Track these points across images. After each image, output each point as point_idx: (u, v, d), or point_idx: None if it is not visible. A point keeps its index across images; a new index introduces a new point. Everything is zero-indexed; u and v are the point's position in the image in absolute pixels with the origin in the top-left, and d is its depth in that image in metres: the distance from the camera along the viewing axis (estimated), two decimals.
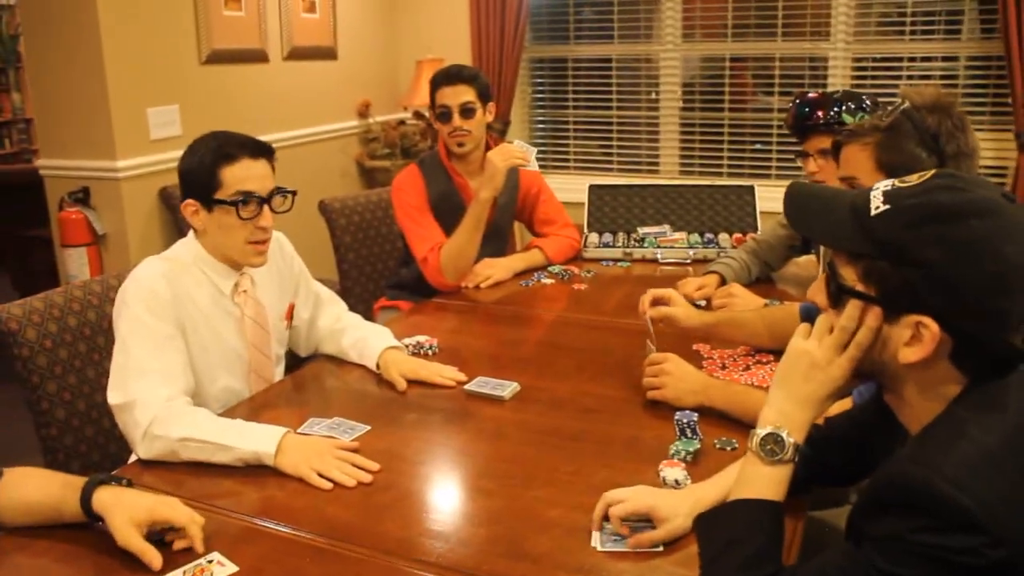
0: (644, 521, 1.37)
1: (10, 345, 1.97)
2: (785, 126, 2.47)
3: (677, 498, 1.39)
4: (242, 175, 1.86)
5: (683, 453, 1.61)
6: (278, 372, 2.13)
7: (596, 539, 1.38)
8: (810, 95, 2.40)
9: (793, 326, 1.30)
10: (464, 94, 2.79)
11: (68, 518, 1.41)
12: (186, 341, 1.87)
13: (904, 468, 1.01)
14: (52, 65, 3.69)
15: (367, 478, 1.59)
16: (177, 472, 1.64)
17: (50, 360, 2.01)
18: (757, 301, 2.40)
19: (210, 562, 1.34)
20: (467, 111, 2.79)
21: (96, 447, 2.09)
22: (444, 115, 2.81)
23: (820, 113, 2.32)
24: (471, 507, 1.53)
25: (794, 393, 1.22)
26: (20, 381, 1.98)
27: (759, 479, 1.23)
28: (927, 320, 1.04)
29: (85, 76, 3.61)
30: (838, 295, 1.14)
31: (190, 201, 1.90)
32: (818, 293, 1.19)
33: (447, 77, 2.83)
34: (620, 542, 1.36)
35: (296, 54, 4.64)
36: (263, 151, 1.92)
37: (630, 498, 1.38)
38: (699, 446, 1.64)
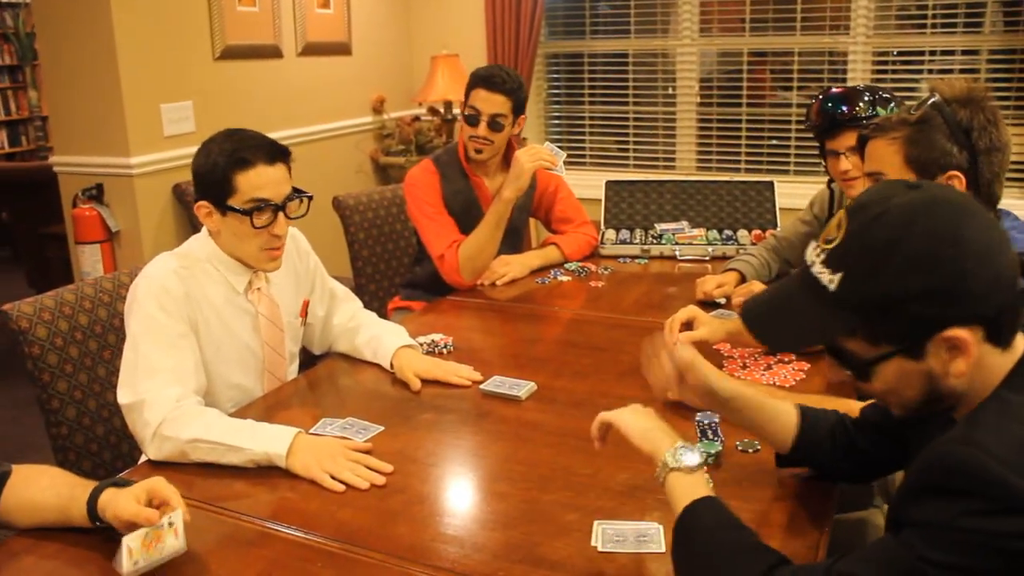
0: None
1: (20, 343, 1.95)
2: (808, 125, 2.38)
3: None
4: (257, 182, 1.81)
5: (704, 455, 1.57)
6: (292, 370, 2.10)
7: (597, 538, 1.36)
8: (834, 90, 2.33)
9: None
10: (499, 105, 2.70)
11: (76, 522, 1.39)
12: (199, 339, 1.85)
13: (953, 449, 0.98)
14: (66, 62, 3.68)
15: (380, 480, 1.56)
16: (188, 474, 1.61)
17: (61, 358, 1.99)
18: None
19: (171, 524, 1.31)
20: (495, 124, 2.71)
21: (107, 446, 2.06)
22: (472, 119, 2.72)
23: (847, 108, 2.25)
24: (486, 511, 1.50)
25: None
26: (31, 379, 1.96)
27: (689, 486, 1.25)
28: (951, 331, 1.02)
29: (98, 73, 3.60)
30: (866, 370, 1.11)
31: (203, 203, 1.86)
32: (853, 391, 1.17)
33: (488, 82, 2.71)
34: (623, 543, 1.34)
35: (310, 50, 4.62)
36: (279, 155, 1.86)
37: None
38: (720, 448, 1.60)
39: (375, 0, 5.11)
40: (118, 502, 1.33)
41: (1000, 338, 1.05)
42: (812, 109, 2.34)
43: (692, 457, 1.27)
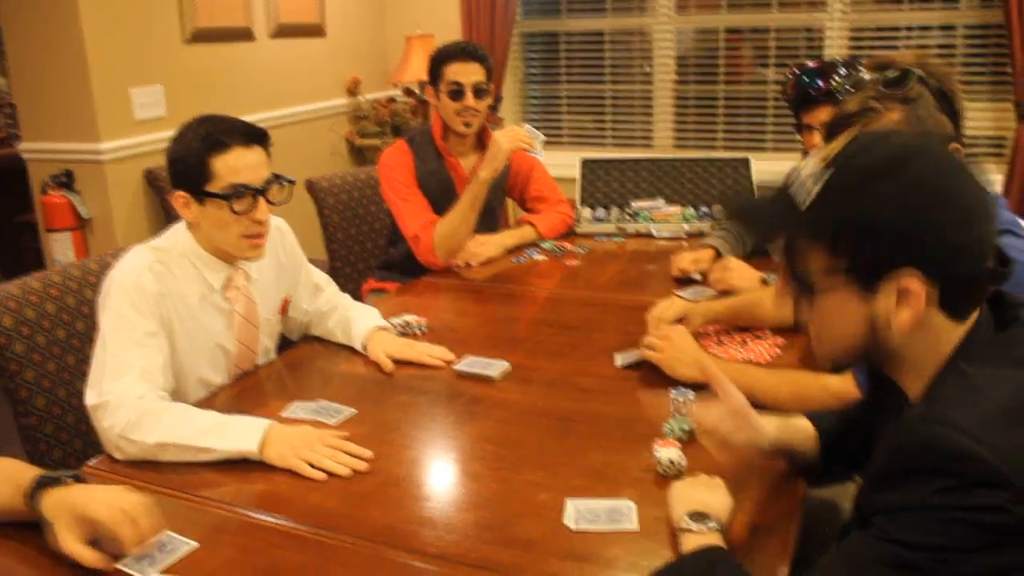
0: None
1: None
2: (784, 98, 2.38)
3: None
4: (235, 165, 1.76)
5: (678, 431, 1.57)
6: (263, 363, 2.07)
7: (570, 516, 1.35)
8: (810, 64, 2.32)
9: None
10: (477, 73, 2.72)
11: (28, 517, 1.33)
12: (172, 336, 1.80)
13: (918, 429, 0.96)
14: (31, 46, 3.62)
15: (362, 466, 1.53)
16: (150, 463, 1.58)
17: (28, 347, 1.96)
18: (753, 274, 2.35)
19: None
20: (480, 91, 2.72)
21: (79, 435, 2.03)
22: (456, 93, 2.71)
23: (823, 82, 2.24)
24: (459, 492, 1.48)
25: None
26: None
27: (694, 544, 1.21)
28: (907, 277, 1.00)
29: (65, 57, 3.54)
30: (811, 291, 1.09)
31: (180, 193, 1.80)
32: (787, 306, 1.14)
33: (462, 53, 2.74)
34: (596, 521, 1.34)
35: (282, 31, 4.56)
36: (257, 137, 1.81)
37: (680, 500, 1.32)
38: (694, 424, 1.59)
39: None
40: (60, 533, 1.26)
41: (954, 307, 1.03)
42: (788, 83, 2.34)
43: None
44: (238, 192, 1.76)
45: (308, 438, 1.58)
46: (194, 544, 1.31)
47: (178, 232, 1.88)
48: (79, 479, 1.38)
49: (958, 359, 1.03)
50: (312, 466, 1.52)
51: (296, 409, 1.74)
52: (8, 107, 8.84)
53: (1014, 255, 1.07)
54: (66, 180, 3.66)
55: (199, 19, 4.00)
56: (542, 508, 1.38)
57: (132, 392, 1.64)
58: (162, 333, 1.76)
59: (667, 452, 1.47)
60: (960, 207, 1.00)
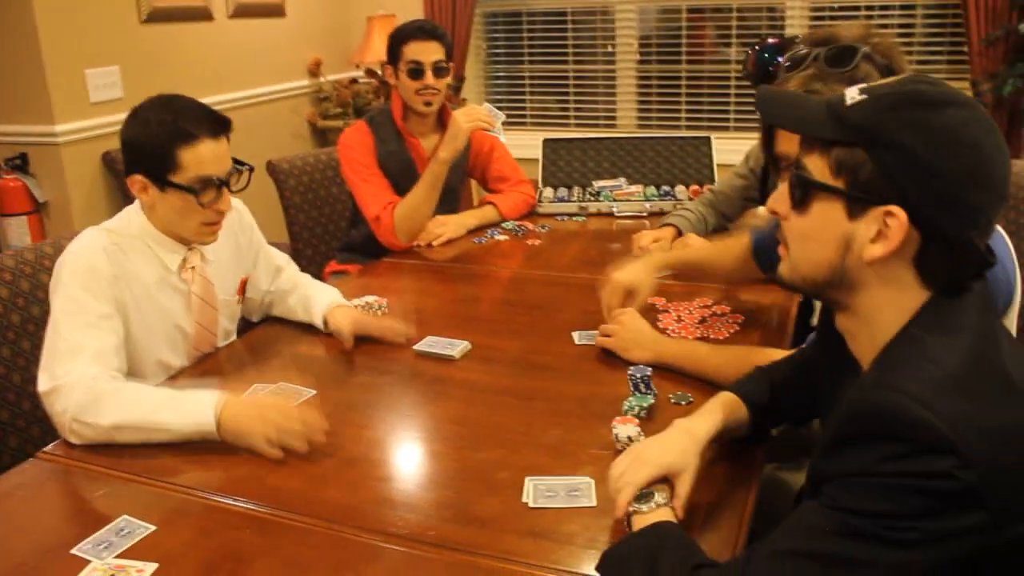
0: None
1: None
2: (744, 75, 2.39)
3: (677, 444, 1.30)
4: (203, 158, 1.73)
5: (637, 409, 1.58)
6: (223, 345, 2.05)
7: (528, 494, 1.36)
8: (769, 40, 2.33)
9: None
10: (436, 52, 2.71)
11: None
12: (127, 319, 1.77)
13: (870, 395, 0.97)
14: None
15: (319, 437, 1.50)
16: (109, 447, 1.56)
17: None
18: None
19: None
20: (440, 69, 2.71)
21: (35, 421, 2.01)
22: (416, 72, 2.70)
23: (783, 59, 2.24)
24: (419, 471, 1.49)
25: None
26: None
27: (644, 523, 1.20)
28: (896, 209, 0.99)
29: (16, 37, 3.46)
30: (804, 193, 1.08)
31: (138, 177, 1.76)
32: (780, 201, 1.12)
33: (420, 32, 2.73)
34: (554, 498, 1.34)
35: (242, 11, 4.50)
36: (223, 128, 1.78)
37: (633, 470, 1.26)
38: (653, 401, 1.60)
39: None
40: None
41: (927, 266, 1.02)
42: (748, 60, 2.35)
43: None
44: (205, 185, 1.75)
45: (264, 414, 1.52)
46: (151, 527, 1.31)
47: (131, 213, 1.85)
48: None
49: (913, 325, 1.03)
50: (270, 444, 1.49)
51: (256, 391, 1.73)
52: None
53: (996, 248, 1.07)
54: (20, 163, 3.59)
55: None
56: (502, 486, 1.39)
57: (85, 374, 1.60)
58: (116, 315, 1.74)
59: (625, 429, 1.48)
60: (978, 167, 0.99)
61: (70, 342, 1.65)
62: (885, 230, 1.01)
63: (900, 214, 0.99)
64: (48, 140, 3.56)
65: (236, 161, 1.83)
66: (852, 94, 1.04)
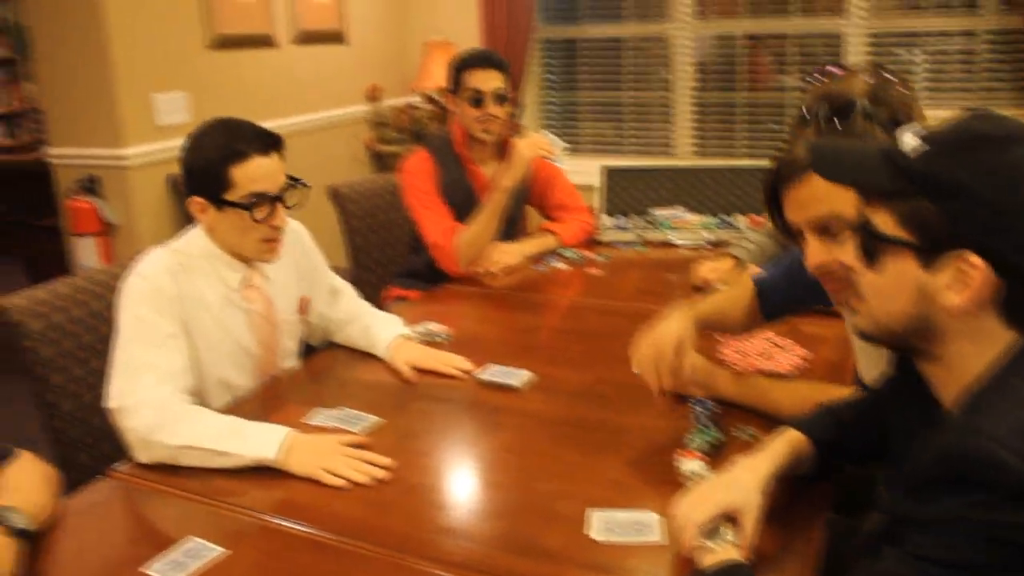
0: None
1: (15, 337, 1.93)
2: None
3: (740, 482, 1.29)
4: (254, 175, 1.78)
5: (700, 443, 1.57)
6: (287, 368, 2.08)
7: (592, 527, 1.35)
8: (834, 69, 2.31)
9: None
10: (497, 80, 2.74)
11: None
12: (192, 338, 1.82)
13: (956, 440, 0.94)
14: (59, 53, 3.66)
15: (381, 474, 1.54)
16: (177, 468, 1.60)
17: (56, 352, 1.98)
18: None
19: None
20: (500, 98, 2.74)
21: (105, 437, 2.04)
22: (477, 100, 2.73)
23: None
24: (480, 501, 1.49)
25: None
26: (26, 373, 1.95)
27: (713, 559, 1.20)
28: (972, 256, 0.97)
29: (91, 63, 3.58)
30: (873, 249, 1.05)
31: (196, 199, 1.82)
32: (846, 254, 1.11)
33: (481, 60, 2.76)
34: (619, 533, 1.33)
35: (304, 38, 4.60)
36: (274, 144, 1.83)
37: (695, 508, 1.26)
38: (717, 435, 1.59)
39: None
40: None
41: (1013, 310, 0.99)
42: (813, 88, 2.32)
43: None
44: (258, 201, 1.79)
45: (328, 446, 1.59)
46: (220, 550, 1.33)
47: (194, 234, 1.90)
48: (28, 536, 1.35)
49: (1006, 370, 1.00)
50: (333, 475, 1.53)
51: (319, 416, 1.75)
52: (34, 113, 8.97)
53: None
54: (91, 185, 3.70)
55: (222, 25, 4.04)
56: (564, 518, 1.39)
57: (154, 394, 1.66)
58: (181, 335, 1.78)
59: (690, 463, 1.47)
60: None
61: (138, 361, 1.70)
62: (964, 277, 0.98)
63: (977, 261, 0.97)
64: (117, 163, 3.66)
65: (291, 178, 1.86)
66: (911, 142, 1.02)
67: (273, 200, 1.82)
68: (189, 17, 3.92)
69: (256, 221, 1.80)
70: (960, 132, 1.01)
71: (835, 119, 1.42)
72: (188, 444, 1.59)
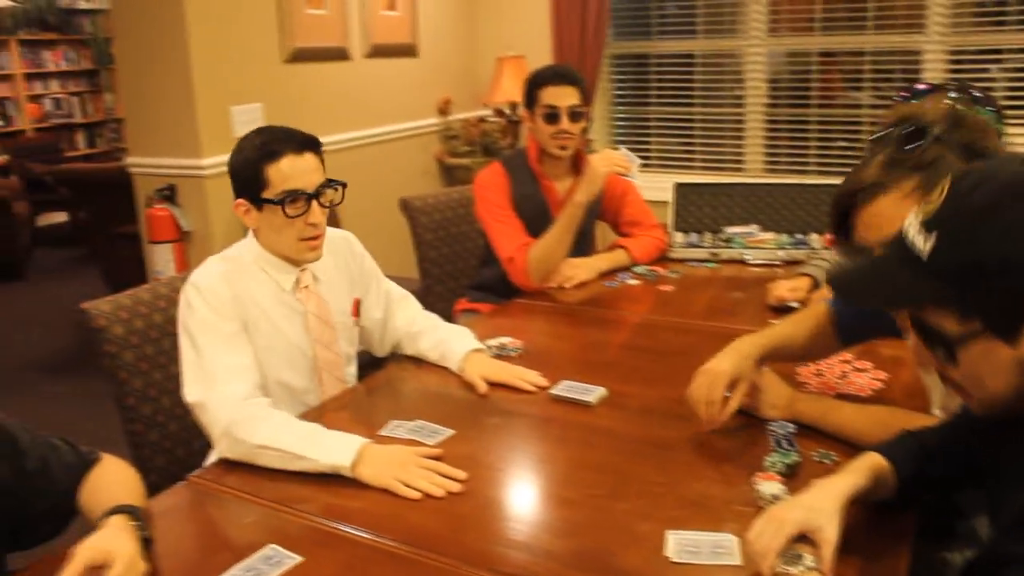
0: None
1: (98, 342, 1.99)
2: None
3: (816, 501, 1.26)
4: (287, 172, 1.83)
5: (779, 466, 1.54)
6: (350, 372, 2.10)
7: (670, 548, 1.33)
8: (921, 86, 2.26)
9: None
10: (572, 96, 2.73)
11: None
12: (250, 338, 1.87)
13: None
14: (142, 66, 3.76)
15: (456, 487, 1.54)
16: (258, 475, 1.62)
17: (136, 356, 2.03)
18: None
19: None
20: (575, 114, 2.73)
21: (180, 443, 2.09)
22: (552, 116, 2.73)
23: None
24: (556, 518, 1.48)
25: None
26: (108, 377, 2.00)
27: None
28: None
29: (172, 76, 3.67)
30: (949, 348, 1.03)
31: (240, 201, 1.89)
32: (928, 362, 1.08)
33: (556, 77, 2.76)
34: (698, 555, 1.31)
35: (377, 52, 4.65)
36: (308, 145, 1.88)
37: (771, 533, 1.23)
38: (796, 458, 1.56)
39: (440, 1, 5.13)
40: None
41: None
42: (895, 106, 2.28)
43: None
44: (291, 197, 1.84)
45: (402, 458, 1.60)
46: (298, 558, 1.34)
47: (245, 242, 1.97)
48: (147, 542, 1.35)
49: None
50: (407, 486, 1.54)
51: (394, 427, 1.76)
52: (113, 122, 9.24)
53: None
54: (169, 194, 3.79)
55: (298, 39, 4.11)
56: (641, 538, 1.37)
57: (232, 390, 1.73)
58: (243, 332, 1.85)
59: (769, 487, 1.44)
60: None
61: (212, 359, 1.77)
62: None
63: None
64: (195, 172, 3.74)
65: (330, 180, 1.91)
66: (918, 241, 1.00)
67: (308, 198, 1.86)
68: (268, 31, 4.00)
69: (290, 217, 1.84)
70: (961, 212, 0.98)
71: (906, 142, 1.41)
72: (266, 444, 1.63)
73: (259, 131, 1.90)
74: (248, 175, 1.85)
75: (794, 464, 1.54)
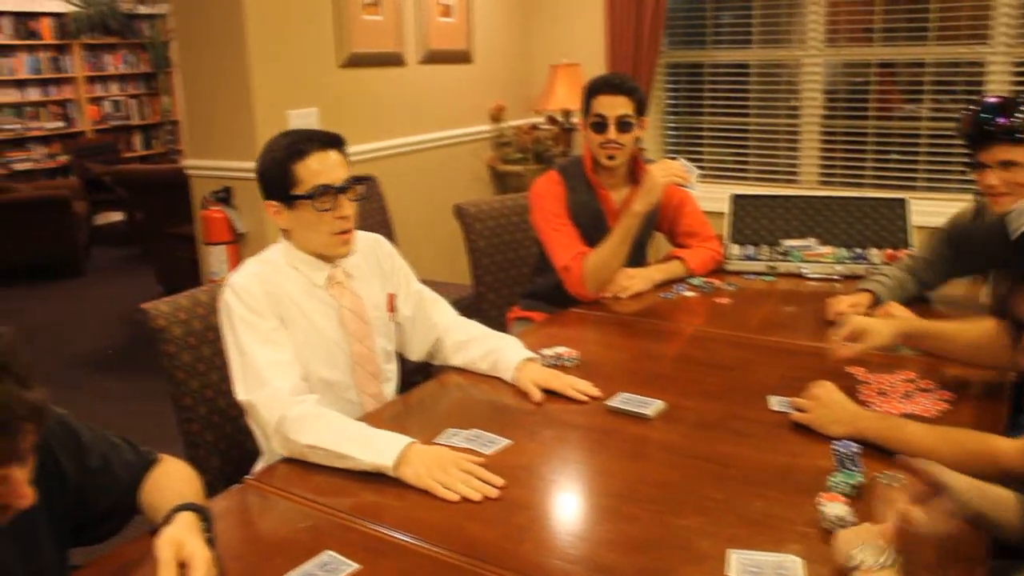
0: None
1: (158, 342, 2.01)
2: (960, 134, 2.26)
3: None
4: (316, 168, 1.87)
5: (844, 486, 1.50)
6: (389, 369, 2.11)
7: (732, 567, 1.31)
8: (991, 99, 2.21)
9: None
10: (622, 106, 2.71)
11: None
12: (289, 333, 1.91)
13: None
14: (201, 69, 3.81)
15: (493, 493, 1.54)
16: (313, 479, 1.63)
17: (194, 357, 2.05)
18: None
19: None
20: (624, 124, 2.71)
21: (235, 444, 2.11)
22: (599, 125, 2.72)
23: (1003, 119, 2.12)
24: (616, 532, 1.45)
25: None
26: (166, 377, 2.02)
27: None
28: None
29: (230, 80, 3.71)
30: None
31: (271, 202, 1.93)
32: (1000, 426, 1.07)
33: (607, 86, 2.74)
34: (759, 575, 1.28)
35: (432, 58, 4.67)
36: (332, 142, 1.92)
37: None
38: (861, 479, 1.52)
39: (496, 9, 5.13)
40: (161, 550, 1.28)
41: None
42: (965, 119, 2.23)
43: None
44: (320, 191, 1.87)
45: (442, 460, 1.61)
46: (355, 565, 1.34)
47: (277, 246, 2.01)
48: (211, 542, 1.34)
49: None
50: (445, 488, 1.55)
51: (451, 435, 1.76)
52: (169, 124, 9.40)
53: None
54: (224, 196, 3.83)
55: (354, 44, 4.13)
56: (702, 556, 1.35)
57: (280, 386, 1.78)
58: (282, 328, 1.89)
59: (834, 508, 1.41)
60: None
61: (253, 357, 1.82)
62: None
63: None
64: (250, 175, 3.73)
65: (356, 176, 1.95)
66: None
67: (336, 192, 1.89)
68: (324, 36, 4.02)
69: (319, 211, 1.88)
70: None
71: None
72: (316, 444, 1.67)
73: (284, 134, 1.95)
74: (278, 175, 1.89)
75: (859, 485, 1.51)
